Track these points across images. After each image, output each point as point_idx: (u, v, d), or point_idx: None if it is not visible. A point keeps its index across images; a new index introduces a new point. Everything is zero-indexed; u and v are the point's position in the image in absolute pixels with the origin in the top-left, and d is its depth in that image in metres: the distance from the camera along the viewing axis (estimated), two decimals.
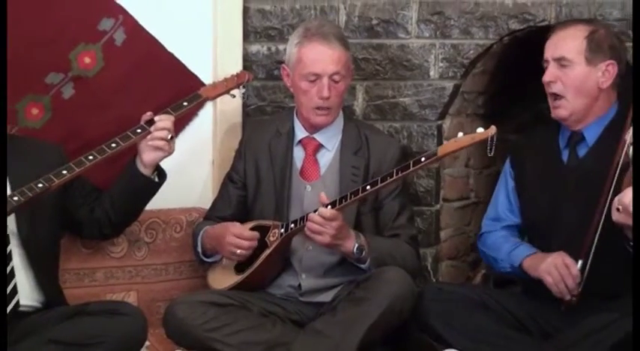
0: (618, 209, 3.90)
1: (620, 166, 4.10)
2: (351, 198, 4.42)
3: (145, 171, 4.53)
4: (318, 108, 4.67)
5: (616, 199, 3.94)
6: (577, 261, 4.23)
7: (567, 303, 4.25)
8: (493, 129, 4.24)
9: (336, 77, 4.63)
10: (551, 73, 4.40)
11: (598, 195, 4.16)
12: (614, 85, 4.41)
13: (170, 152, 4.53)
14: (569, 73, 4.38)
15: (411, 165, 4.38)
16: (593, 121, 4.43)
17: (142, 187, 4.60)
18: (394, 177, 4.39)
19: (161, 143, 4.49)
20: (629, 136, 4.07)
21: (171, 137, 4.52)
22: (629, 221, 3.84)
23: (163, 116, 4.52)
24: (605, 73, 4.37)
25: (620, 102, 4.44)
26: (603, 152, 4.28)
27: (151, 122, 4.49)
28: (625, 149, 4.07)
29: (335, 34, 4.71)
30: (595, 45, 4.37)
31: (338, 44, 4.67)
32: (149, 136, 4.48)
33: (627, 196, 3.84)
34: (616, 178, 4.11)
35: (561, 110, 4.40)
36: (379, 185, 4.40)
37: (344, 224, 4.44)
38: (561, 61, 4.38)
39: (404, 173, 4.40)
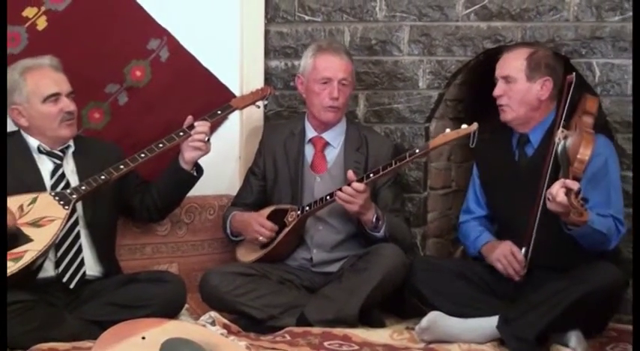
0: (549, 199, 4.00)
1: (551, 163, 4.21)
2: (370, 177, 4.48)
3: (186, 167, 4.61)
4: (328, 107, 4.74)
5: (547, 192, 4.03)
6: (521, 248, 4.34)
7: (515, 282, 4.40)
8: (475, 125, 4.37)
9: (344, 82, 4.73)
10: (499, 89, 4.49)
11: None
12: (553, 96, 4.47)
13: (207, 152, 4.60)
14: (514, 88, 4.46)
15: (407, 156, 4.47)
16: (536, 125, 4.50)
17: (183, 180, 4.67)
18: (396, 165, 4.47)
19: (199, 144, 4.56)
20: (557, 136, 4.17)
21: (208, 139, 4.59)
22: (559, 208, 3.96)
23: (201, 122, 4.59)
24: (543, 87, 4.44)
25: (557, 109, 4.46)
26: (545, 151, 4.35)
27: (191, 127, 4.57)
28: (555, 148, 4.18)
29: (342, 49, 4.84)
30: (534, 64, 4.44)
31: (345, 56, 4.78)
32: (190, 138, 4.56)
33: (554, 187, 3.95)
34: (549, 174, 4.21)
35: (506, 114, 4.49)
36: (387, 170, 4.48)
37: (369, 197, 4.52)
38: (507, 79, 4.46)
39: (403, 162, 4.49)
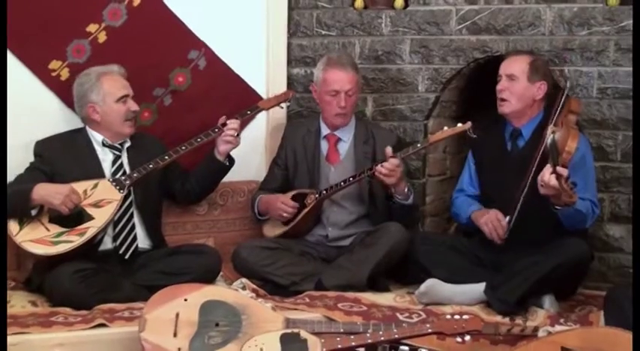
0: (542, 185, 4.08)
1: (541, 152, 4.27)
2: (408, 151, 4.58)
3: (220, 158, 4.73)
4: (337, 114, 4.83)
5: (539, 178, 4.10)
6: (506, 216, 4.41)
7: (498, 245, 4.48)
8: (468, 124, 4.47)
9: (350, 92, 4.80)
10: (502, 85, 4.55)
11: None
12: (544, 98, 4.56)
13: (237, 145, 4.71)
14: (515, 86, 4.52)
15: (410, 149, 4.58)
16: (528, 121, 4.59)
17: (217, 169, 4.79)
18: (421, 146, 4.60)
19: (230, 138, 4.67)
20: (548, 131, 4.22)
21: (237, 134, 4.69)
22: (551, 191, 4.04)
23: (232, 120, 4.70)
24: (539, 89, 4.54)
25: (545, 109, 4.57)
26: (535, 144, 4.43)
27: (224, 124, 4.68)
28: (545, 141, 4.21)
29: (349, 63, 4.86)
30: (535, 69, 4.52)
31: (351, 69, 4.83)
32: (222, 134, 4.67)
33: (546, 174, 4.03)
34: (538, 160, 4.29)
35: (505, 108, 4.55)
36: (414, 151, 4.60)
37: (403, 171, 4.62)
38: (511, 77, 4.53)
39: (413, 151, 4.62)
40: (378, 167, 4.57)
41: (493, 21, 5.00)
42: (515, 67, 4.55)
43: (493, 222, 4.48)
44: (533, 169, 4.31)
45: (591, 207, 4.38)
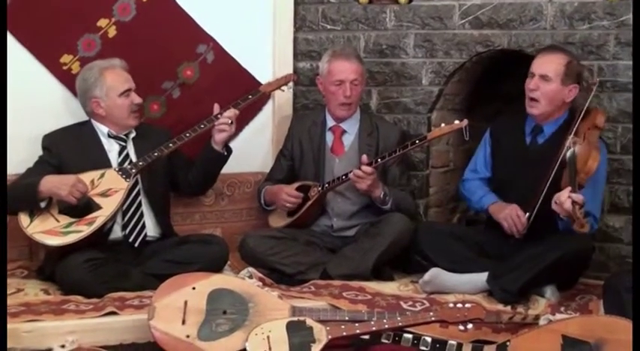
0: (556, 202, 4.05)
1: (560, 160, 4.21)
2: (378, 161, 4.58)
3: (217, 147, 4.70)
4: (342, 104, 4.83)
5: (556, 195, 4.06)
6: (525, 213, 4.37)
7: (515, 239, 4.44)
8: (465, 121, 4.44)
9: (355, 82, 4.81)
10: (535, 83, 4.42)
11: (544, 172, 4.26)
12: (573, 100, 4.48)
13: (231, 132, 4.68)
14: (548, 87, 4.41)
15: (409, 145, 4.57)
16: (552, 120, 4.50)
17: (214, 158, 4.76)
18: (399, 152, 4.57)
19: (225, 126, 4.64)
20: (569, 141, 4.20)
21: (232, 122, 4.65)
22: (563, 212, 4.01)
23: (229, 109, 4.68)
24: (570, 92, 4.43)
25: (569, 111, 4.50)
26: (554, 144, 4.38)
27: (221, 114, 4.68)
28: (564, 151, 4.19)
29: (353, 54, 4.89)
30: (570, 71, 4.40)
31: (355, 60, 4.84)
32: (217, 122, 4.64)
33: (563, 195, 3.99)
34: (557, 167, 4.22)
35: (535, 109, 4.45)
36: (393, 156, 4.59)
37: (376, 178, 4.60)
38: (545, 77, 4.40)
39: (406, 150, 4.60)
40: (350, 174, 4.61)
41: (495, 15, 4.98)
42: (551, 67, 4.44)
43: (513, 218, 4.43)
44: (554, 169, 4.25)
45: (592, 223, 4.28)
